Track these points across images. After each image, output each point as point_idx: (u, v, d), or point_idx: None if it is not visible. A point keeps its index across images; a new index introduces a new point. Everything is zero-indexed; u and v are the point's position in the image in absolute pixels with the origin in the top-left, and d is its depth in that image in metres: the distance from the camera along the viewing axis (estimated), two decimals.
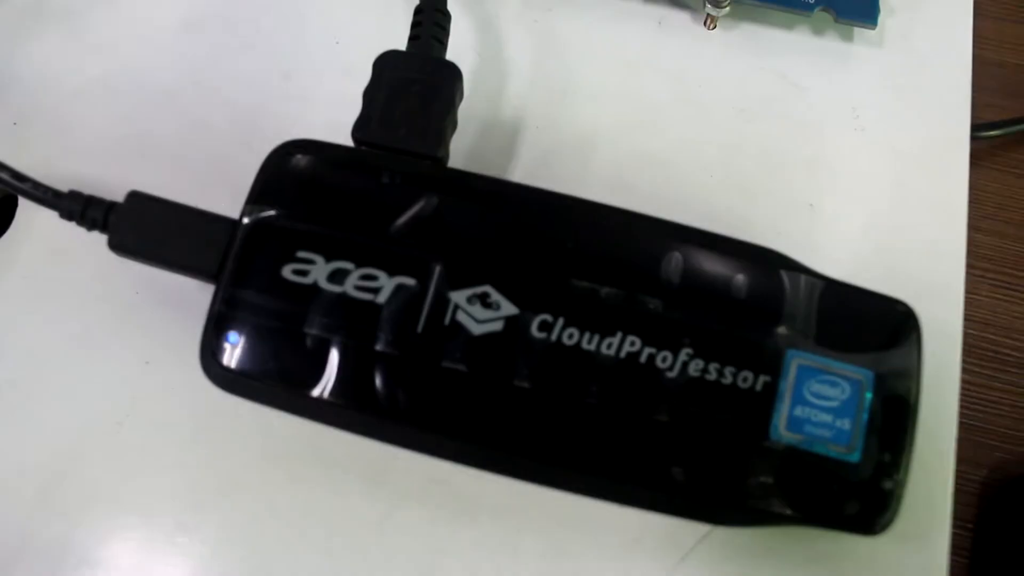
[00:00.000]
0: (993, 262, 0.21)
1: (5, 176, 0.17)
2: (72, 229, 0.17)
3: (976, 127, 0.22)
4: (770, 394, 0.14)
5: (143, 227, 0.16)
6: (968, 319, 0.20)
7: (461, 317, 0.14)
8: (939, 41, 0.19)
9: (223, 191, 0.17)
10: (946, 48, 0.19)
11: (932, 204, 0.18)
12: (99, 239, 0.16)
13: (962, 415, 0.19)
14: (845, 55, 0.19)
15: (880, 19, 0.19)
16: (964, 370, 0.19)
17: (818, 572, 0.15)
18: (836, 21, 0.19)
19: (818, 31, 0.20)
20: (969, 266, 0.21)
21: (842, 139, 0.18)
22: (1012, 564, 0.17)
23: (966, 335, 0.20)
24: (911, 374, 0.15)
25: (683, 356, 0.14)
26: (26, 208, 0.19)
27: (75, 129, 0.20)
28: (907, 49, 0.19)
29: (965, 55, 0.19)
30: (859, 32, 0.19)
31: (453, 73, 0.17)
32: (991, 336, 0.20)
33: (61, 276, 0.18)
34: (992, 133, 0.22)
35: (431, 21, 0.17)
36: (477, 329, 0.14)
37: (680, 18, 0.20)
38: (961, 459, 0.19)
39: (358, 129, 0.16)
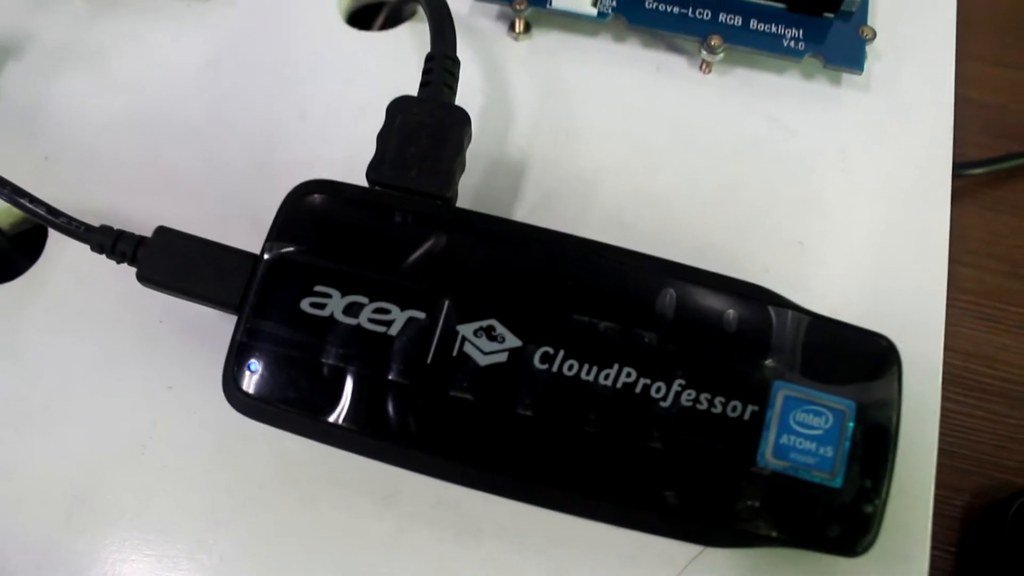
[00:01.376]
0: (976, 295, 0.22)
1: (40, 211, 0.18)
2: (100, 260, 0.18)
3: (961, 165, 0.23)
4: (758, 423, 0.15)
5: (170, 261, 0.17)
6: (951, 350, 0.21)
7: (468, 349, 0.15)
8: (922, 86, 0.21)
9: (242, 223, 0.18)
10: (929, 92, 0.20)
11: (915, 242, 0.19)
12: (125, 269, 0.18)
13: (945, 442, 0.20)
14: (834, 99, 0.20)
15: (866, 64, 0.20)
16: (947, 399, 0.20)
17: None
18: (825, 67, 0.20)
19: (808, 75, 0.21)
20: (953, 299, 0.22)
21: (830, 179, 0.19)
22: None
23: (949, 365, 0.21)
24: (891, 405, 0.16)
25: (676, 386, 0.15)
26: (56, 238, 0.20)
27: (103, 163, 0.21)
28: (892, 93, 0.20)
29: (947, 99, 0.20)
30: (847, 77, 0.21)
31: (462, 118, 0.18)
32: (973, 366, 0.21)
33: (88, 304, 0.19)
34: (976, 171, 0.23)
35: (441, 68, 0.18)
36: (483, 360, 0.15)
37: (677, 63, 0.21)
38: (944, 484, 0.19)
39: (372, 170, 0.17)
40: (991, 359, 0.21)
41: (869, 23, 0.20)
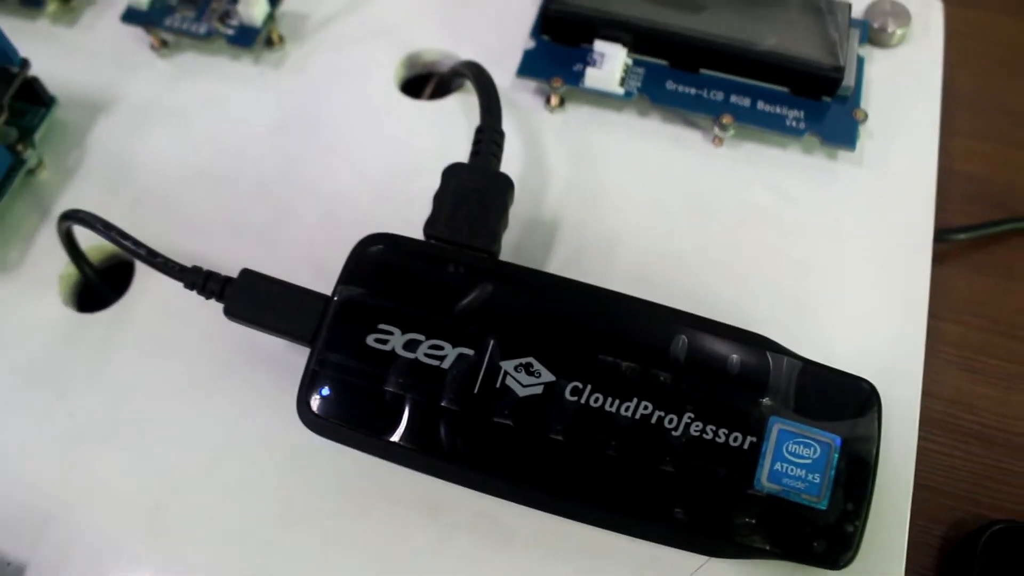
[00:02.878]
0: (958, 348, 0.25)
1: (142, 252, 0.20)
2: (181, 295, 0.21)
3: (945, 231, 0.26)
4: (755, 452, 0.18)
5: (253, 299, 0.20)
6: (935, 396, 0.23)
7: (509, 381, 0.18)
8: (908, 161, 0.23)
9: (308, 269, 0.21)
10: (914, 168, 0.23)
11: (898, 299, 0.21)
12: (205, 304, 0.20)
13: (927, 479, 0.22)
14: (830, 172, 0.23)
15: (859, 143, 0.23)
16: (929, 440, 0.23)
17: None
18: (822, 144, 0.23)
19: (807, 151, 0.23)
20: (937, 351, 0.24)
21: (824, 243, 0.22)
22: None
23: (932, 411, 0.23)
24: (872, 439, 0.18)
25: (686, 419, 0.18)
26: (142, 275, 0.23)
27: (183, 211, 0.24)
28: (881, 168, 0.23)
29: (930, 174, 0.23)
30: (842, 153, 0.23)
31: (506, 183, 0.21)
32: (954, 412, 0.23)
33: (172, 334, 0.22)
34: (959, 236, 0.26)
35: (489, 139, 0.21)
36: (522, 392, 0.18)
37: (693, 137, 0.24)
38: (925, 516, 0.22)
39: (429, 226, 0.20)
40: (971, 406, 0.24)
41: (862, 106, 0.23)
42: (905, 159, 0.23)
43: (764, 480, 0.17)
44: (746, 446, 0.18)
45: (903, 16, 0.25)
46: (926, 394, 0.23)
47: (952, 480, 0.23)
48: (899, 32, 0.24)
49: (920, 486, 0.22)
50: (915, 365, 0.20)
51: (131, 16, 0.26)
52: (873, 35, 0.24)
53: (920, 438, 0.21)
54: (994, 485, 0.22)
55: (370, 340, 0.19)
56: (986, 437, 0.23)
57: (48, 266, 0.23)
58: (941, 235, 0.25)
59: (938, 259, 0.25)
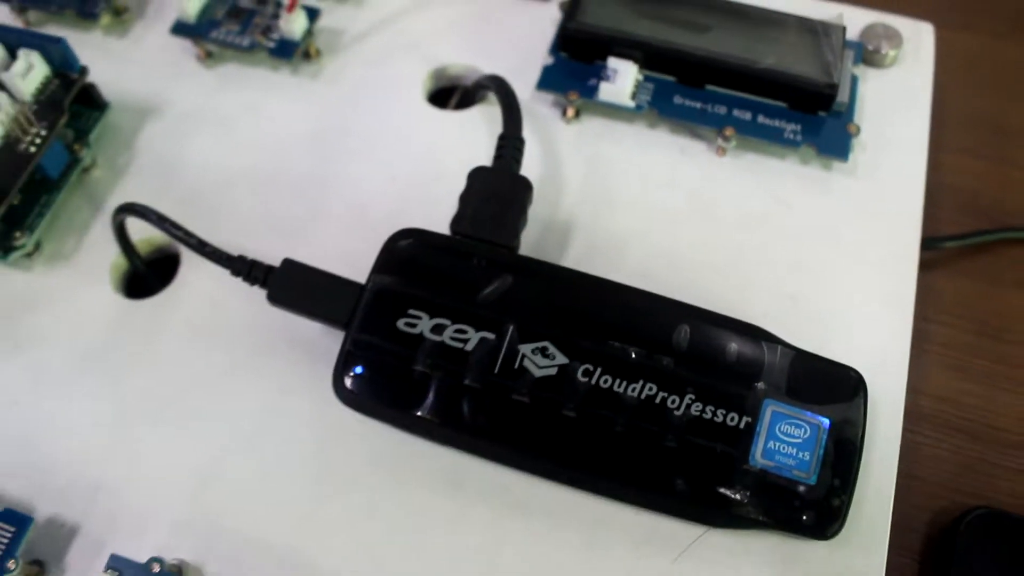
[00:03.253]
0: (947, 347, 0.26)
1: (192, 242, 0.22)
2: (223, 285, 0.23)
3: (938, 239, 0.27)
4: (750, 431, 0.19)
5: (293, 286, 0.22)
6: (923, 393, 0.25)
7: (526, 363, 0.20)
8: (898, 173, 0.25)
9: (340, 262, 0.22)
10: (903, 179, 0.25)
11: (886, 299, 0.23)
12: (244, 294, 0.22)
13: (914, 469, 0.24)
14: (824, 182, 0.25)
15: (852, 155, 0.25)
16: (917, 433, 0.24)
17: (783, 569, 0.19)
18: (818, 155, 0.25)
19: (804, 162, 0.25)
20: (926, 351, 0.26)
21: (819, 247, 0.24)
22: None
23: (920, 406, 0.25)
24: (858, 423, 0.20)
25: (687, 400, 0.19)
26: (188, 266, 0.25)
27: (225, 208, 0.26)
28: (872, 178, 0.25)
29: (919, 184, 0.25)
30: (836, 164, 0.25)
31: (526, 185, 0.22)
32: (941, 407, 0.25)
33: (214, 320, 0.24)
34: (950, 244, 0.28)
35: (511, 145, 0.23)
36: (538, 373, 0.20)
37: (698, 147, 0.26)
38: (911, 504, 0.23)
39: (455, 223, 0.22)
40: (957, 402, 0.25)
41: (855, 121, 0.25)
42: (895, 171, 0.25)
43: (758, 456, 0.19)
44: (742, 425, 0.19)
45: (896, 38, 0.26)
46: (915, 391, 0.25)
47: (938, 471, 0.24)
48: (892, 53, 0.26)
49: (908, 475, 0.23)
50: (901, 359, 0.22)
51: (180, 29, 0.28)
52: (867, 56, 0.26)
53: (909, 431, 0.23)
54: (977, 476, 0.24)
55: (400, 324, 0.20)
56: (970, 431, 0.25)
57: (100, 256, 0.25)
58: (933, 243, 0.27)
59: (929, 265, 0.27)
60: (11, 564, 0.20)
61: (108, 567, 0.20)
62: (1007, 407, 0.25)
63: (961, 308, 0.27)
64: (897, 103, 0.26)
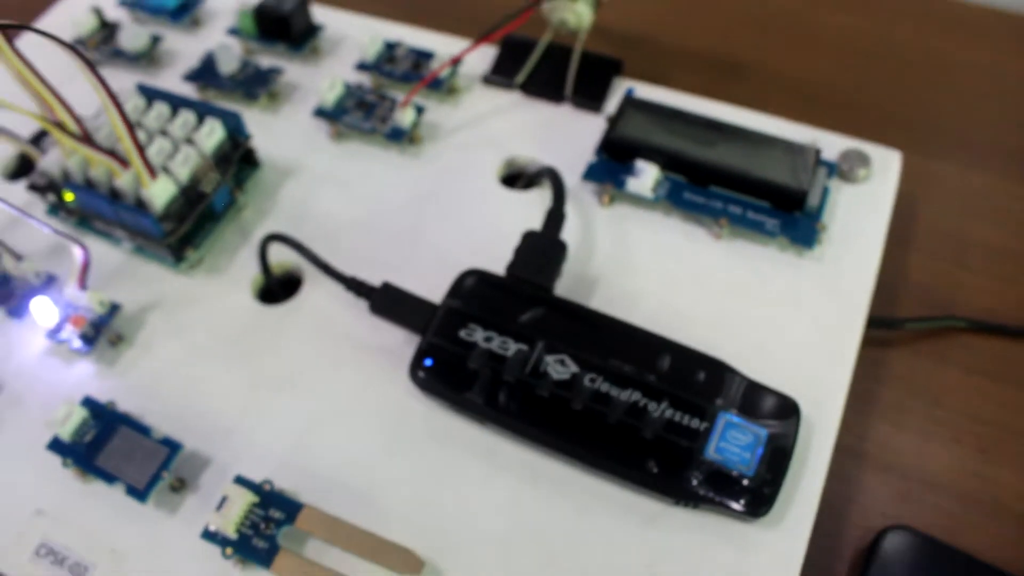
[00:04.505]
0: (890, 406, 0.32)
1: (321, 262, 0.31)
2: (334, 302, 0.31)
3: (903, 320, 0.34)
4: (707, 433, 0.26)
5: (389, 301, 0.30)
6: (865, 439, 0.31)
7: (548, 369, 0.27)
8: (855, 264, 0.32)
9: (422, 290, 0.30)
10: (859, 268, 0.31)
11: (831, 356, 0.29)
12: (349, 310, 0.30)
13: (853, 494, 0.30)
14: (796, 265, 0.32)
15: (820, 247, 0.32)
16: (859, 468, 0.31)
17: (726, 540, 0.26)
18: (791, 244, 0.32)
19: (781, 248, 0.32)
20: (873, 407, 0.32)
21: (784, 312, 0.31)
22: None
23: (864, 448, 0.31)
24: (791, 436, 0.26)
25: (663, 406, 0.27)
26: (310, 283, 0.33)
27: (341, 247, 0.34)
28: (835, 265, 0.32)
29: (871, 274, 0.31)
30: (806, 252, 0.32)
31: (564, 248, 0.30)
32: (880, 451, 0.31)
33: (325, 326, 0.32)
34: (907, 326, 0.34)
35: (555, 217, 0.31)
36: (556, 376, 0.27)
37: (699, 232, 0.33)
38: (847, 522, 0.29)
39: (510, 268, 0.30)
40: (894, 448, 0.31)
41: (824, 220, 0.32)
42: (853, 261, 0.32)
43: (712, 452, 0.26)
44: (701, 429, 0.26)
45: (867, 161, 0.34)
46: (859, 436, 0.31)
47: (873, 499, 0.30)
48: (863, 172, 0.34)
49: (847, 499, 0.30)
50: (839, 398, 0.28)
51: (319, 113, 0.38)
52: (842, 173, 0.34)
53: (851, 466, 0.29)
54: (907, 505, 0.30)
55: (461, 333, 0.28)
56: (902, 471, 0.31)
57: (243, 272, 0.34)
58: (893, 323, 0.34)
59: (888, 343, 0.34)
60: (164, 474, 0.28)
61: (234, 480, 0.27)
62: (936, 456, 0.31)
63: (908, 378, 0.33)
64: (862, 211, 0.33)
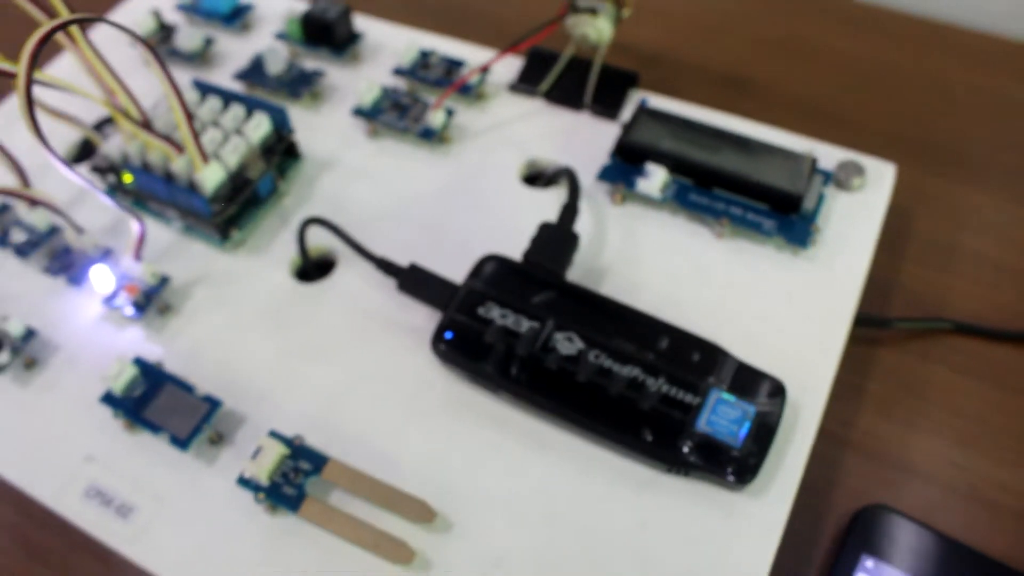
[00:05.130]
0: (877, 398, 0.34)
1: (355, 244, 0.34)
2: (364, 283, 0.34)
3: (892, 319, 0.36)
4: (699, 407, 0.29)
5: (415, 281, 0.33)
6: (853, 426, 0.34)
7: (557, 345, 0.30)
8: (846, 264, 0.34)
9: (446, 272, 0.33)
10: (849, 267, 0.34)
11: (819, 346, 0.32)
12: (378, 290, 0.33)
13: (839, 478, 0.32)
14: (790, 263, 0.34)
15: (814, 248, 0.34)
16: (846, 454, 0.33)
17: (715, 507, 0.28)
18: (787, 243, 0.34)
19: (777, 248, 0.35)
20: (861, 398, 0.34)
21: (777, 304, 0.33)
22: None
23: (850, 436, 0.33)
24: (776, 414, 0.29)
25: (660, 381, 0.29)
26: (341, 266, 0.36)
27: (373, 234, 0.37)
28: (827, 265, 0.34)
29: (860, 274, 0.34)
30: (801, 251, 0.35)
31: (576, 239, 0.33)
32: (865, 438, 0.33)
33: (355, 303, 0.35)
34: (902, 325, 0.36)
35: (570, 212, 0.34)
36: (564, 352, 0.30)
37: (703, 231, 0.36)
38: (831, 503, 0.32)
39: (526, 254, 0.33)
40: (879, 436, 0.33)
41: (819, 223, 0.35)
42: (844, 261, 0.34)
43: (703, 424, 0.29)
44: (694, 403, 0.29)
45: (861, 172, 0.36)
46: (847, 424, 0.34)
47: (858, 481, 0.32)
48: (857, 182, 0.36)
49: (831, 483, 0.32)
50: (825, 383, 0.31)
51: (357, 112, 0.41)
52: (838, 181, 0.36)
53: (838, 451, 0.32)
54: (888, 490, 0.32)
55: (479, 310, 0.31)
56: (886, 459, 0.33)
57: (282, 253, 0.37)
58: (883, 322, 0.36)
59: (879, 341, 0.36)
60: (205, 428, 0.31)
61: (268, 434, 0.30)
62: (917, 446, 0.33)
63: (895, 374, 0.35)
64: (855, 217, 0.36)
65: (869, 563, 0.29)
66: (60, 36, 0.31)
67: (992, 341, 0.36)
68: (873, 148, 0.38)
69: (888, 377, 0.35)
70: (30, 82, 0.28)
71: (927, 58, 0.48)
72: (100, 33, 0.46)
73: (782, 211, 0.35)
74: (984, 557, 0.29)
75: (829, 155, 0.37)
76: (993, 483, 0.32)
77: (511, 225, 0.36)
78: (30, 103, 0.28)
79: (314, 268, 0.37)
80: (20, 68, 0.27)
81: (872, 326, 0.36)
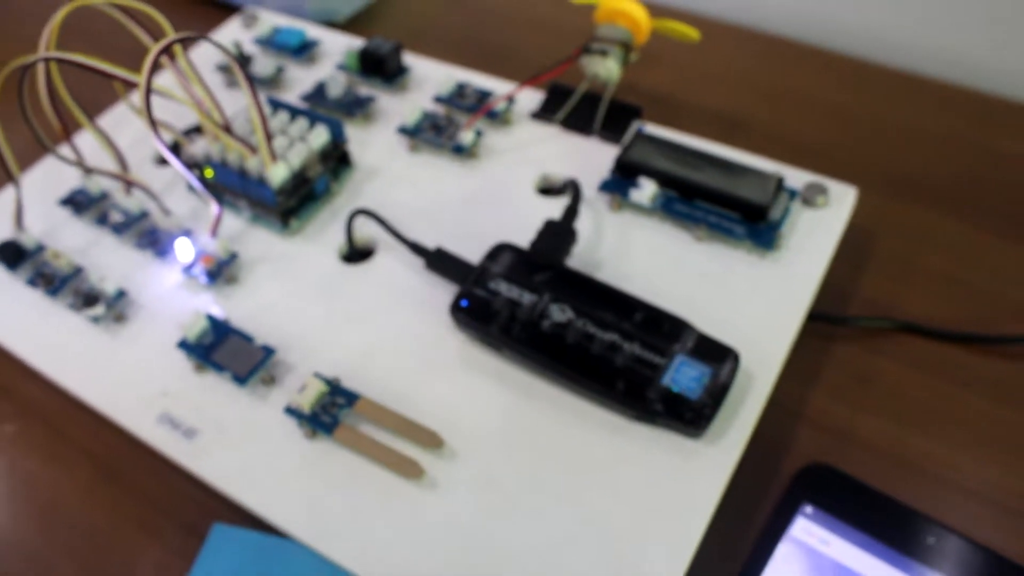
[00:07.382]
0: (829, 385, 0.40)
1: (394, 231, 0.41)
2: (399, 266, 0.41)
3: (847, 317, 0.42)
4: (665, 367, 0.35)
5: (440, 261, 0.40)
6: (807, 405, 0.39)
7: (552, 313, 0.36)
8: (805, 266, 0.40)
9: (469, 256, 0.40)
10: (807, 270, 0.40)
11: (772, 329, 0.38)
12: (411, 272, 0.40)
13: (791, 447, 0.38)
14: (756, 262, 0.40)
15: (779, 251, 0.41)
16: (799, 428, 0.38)
17: (674, 452, 0.34)
18: (755, 247, 0.41)
19: (748, 251, 0.41)
20: (814, 385, 0.40)
21: (743, 297, 0.39)
22: None
23: (804, 414, 0.39)
24: (730, 375, 0.35)
25: (635, 345, 0.35)
26: (380, 253, 0.43)
27: (409, 228, 0.44)
28: (788, 266, 0.40)
29: (817, 275, 0.40)
30: (768, 254, 0.41)
31: (574, 234, 0.40)
32: (818, 416, 0.39)
33: (391, 281, 0.42)
34: (856, 323, 0.42)
35: (570, 214, 0.41)
36: (558, 319, 0.36)
37: (684, 235, 0.41)
38: (780, 468, 0.37)
39: (532, 245, 0.39)
40: (829, 413, 0.39)
41: (783, 231, 0.41)
42: (803, 264, 0.40)
43: (668, 381, 0.34)
44: (662, 364, 0.35)
45: (825, 192, 0.43)
46: (800, 402, 0.39)
47: (808, 450, 0.38)
48: (821, 200, 0.42)
49: (784, 450, 0.37)
50: (778, 357, 0.36)
51: (402, 130, 0.48)
52: (804, 199, 0.42)
53: (787, 422, 0.37)
54: (835, 457, 0.37)
55: (490, 285, 0.38)
56: (835, 431, 0.38)
57: (331, 240, 0.44)
58: (839, 320, 0.42)
59: (836, 338, 0.42)
60: (260, 370, 0.37)
61: (313, 374, 0.37)
62: (862, 423, 0.38)
63: (847, 364, 0.41)
64: (817, 229, 0.42)
65: (808, 509, 0.35)
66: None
67: (939, 341, 0.41)
68: (846, 177, 0.45)
69: (840, 366, 0.41)
70: (149, 88, 0.36)
71: (903, 109, 0.54)
72: (192, 55, 0.54)
73: (751, 219, 0.41)
74: (915, 512, 0.34)
75: (799, 178, 0.44)
76: (924, 453, 0.37)
77: (523, 225, 0.43)
78: (149, 106, 0.36)
79: (357, 255, 0.44)
80: (142, 78, 0.35)
81: (829, 322, 0.42)
